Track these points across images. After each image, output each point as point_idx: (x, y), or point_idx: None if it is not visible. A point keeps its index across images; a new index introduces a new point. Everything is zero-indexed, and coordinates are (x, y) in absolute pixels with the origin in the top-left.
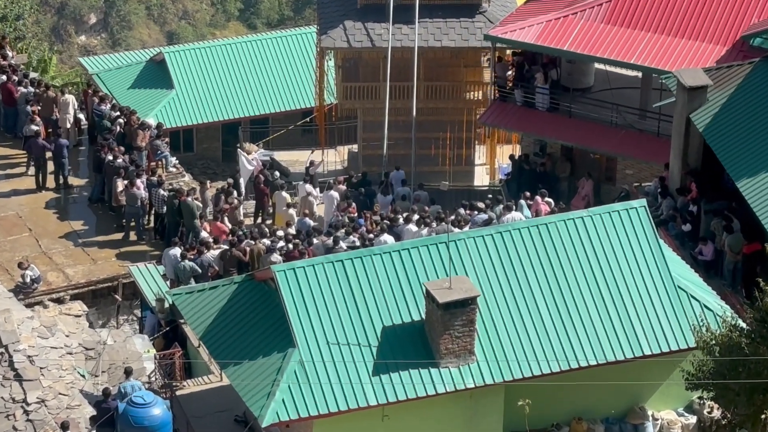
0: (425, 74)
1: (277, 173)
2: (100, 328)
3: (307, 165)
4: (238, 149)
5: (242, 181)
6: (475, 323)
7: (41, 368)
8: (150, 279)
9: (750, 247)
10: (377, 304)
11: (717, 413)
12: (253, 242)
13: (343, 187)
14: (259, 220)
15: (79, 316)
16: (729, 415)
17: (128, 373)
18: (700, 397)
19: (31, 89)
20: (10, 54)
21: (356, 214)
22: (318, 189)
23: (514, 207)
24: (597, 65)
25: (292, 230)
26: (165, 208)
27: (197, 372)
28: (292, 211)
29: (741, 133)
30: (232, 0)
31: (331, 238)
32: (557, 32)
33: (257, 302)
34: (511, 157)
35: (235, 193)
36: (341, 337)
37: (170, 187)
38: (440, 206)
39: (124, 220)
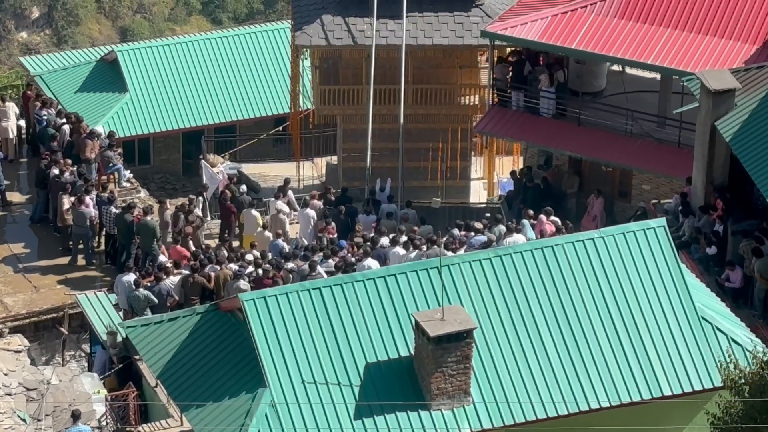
0: (414, 76)
1: (245, 188)
2: (44, 365)
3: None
4: (202, 161)
5: (205, 197)
6: (471, 360)
7: None
8: (100, 309)
9: None
10: (360, 337)
11: None
12: (218, 267)
13: (319, 204)
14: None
15: (20, 351)
16: None
17: (76, 416)
18: None
19: None
20: None
21: (335, 235)
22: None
23: (515, 227)
24: (610, 66)
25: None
26: (117, 228)
27: (154, 415)
28: (268, 233)
29: None
30: None
31: (307, 262)
32: (564, 28)
33: (223, 336)
34: (512, 173)
35: (196, 210)
36: (318, 375)
37: (123, 204)
38: (431, 226)
39: (70, 242)
